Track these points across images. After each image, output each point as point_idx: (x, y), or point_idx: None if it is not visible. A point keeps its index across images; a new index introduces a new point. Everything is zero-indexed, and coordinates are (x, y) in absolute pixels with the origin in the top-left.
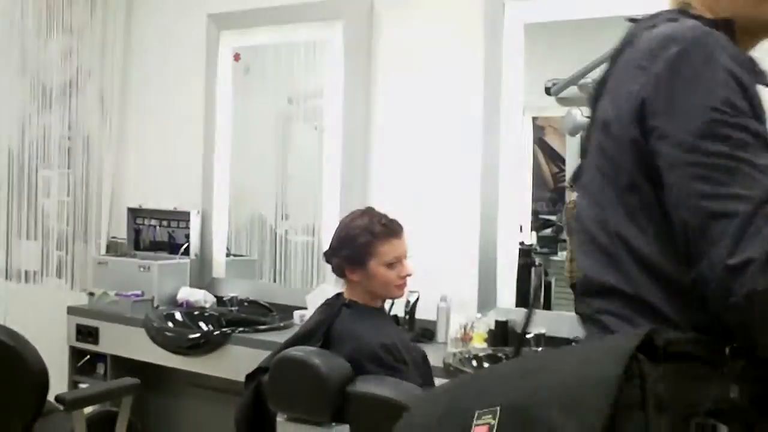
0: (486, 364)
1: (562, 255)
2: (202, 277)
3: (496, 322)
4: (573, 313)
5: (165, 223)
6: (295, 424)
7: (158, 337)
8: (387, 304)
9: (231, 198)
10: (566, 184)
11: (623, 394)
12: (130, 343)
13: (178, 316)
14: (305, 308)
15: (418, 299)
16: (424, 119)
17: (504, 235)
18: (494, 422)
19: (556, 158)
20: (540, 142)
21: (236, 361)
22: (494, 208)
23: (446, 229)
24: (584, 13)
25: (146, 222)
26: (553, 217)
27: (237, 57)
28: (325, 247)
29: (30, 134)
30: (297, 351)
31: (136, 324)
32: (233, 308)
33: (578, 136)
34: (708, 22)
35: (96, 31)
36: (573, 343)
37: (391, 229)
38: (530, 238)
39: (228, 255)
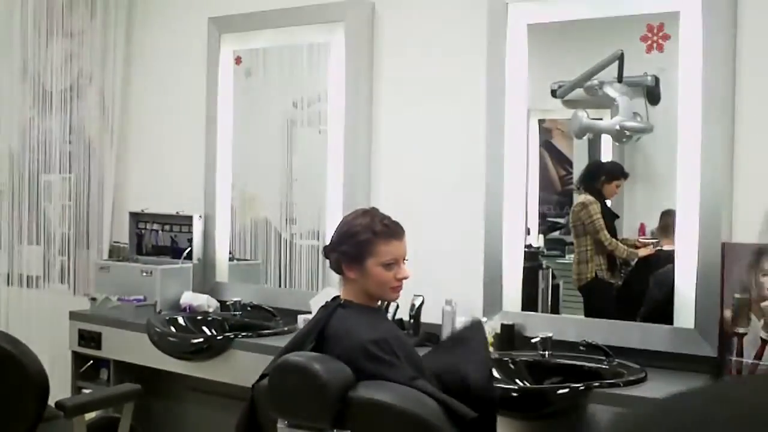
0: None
1: (569, 258)
2: (205, 281)
3: (502, 325)
4: (580, 317)
5: (167, 227)
6: (296, 431)
7: (161, 342)
8: (392, 308)
9: (235, 202)
10: (573, 186)
11: None
12: (132, 348)
13: (181, 320)
14: (310, 312)
15: (423, 303)
16: (428, 122)
17: (509, 238)
18: None
19: (563, 161)
20: (547, 145)
21: (240, 366)
22: (499, 210)
23: (451, 232)
24: (589, 14)
25: (148, 226)
26: (560, 220)
27: (238, 60)
28: None
29: (31, 139)
30: (297, 356)
31: (139, 329)
32: (237, 313)
33: (585, 138)
34: None
35: (97, 35)
36: (581, 348)
37: (392, 230)
38: (537, 241)
39: (231, 259)
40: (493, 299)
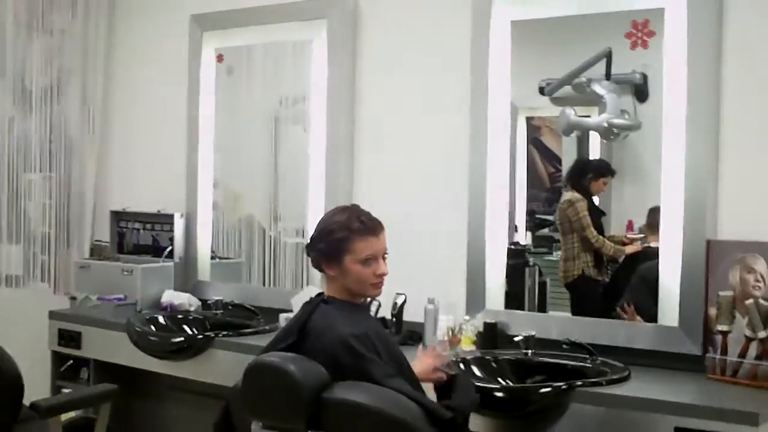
0: (474, 367)
1: (557, 255)
2: (186, 280)
3: (485, 324)
4: (565, 314)
5: (149, 226)
6: None
7: (141, 342)
8: (374, 306)
9: (220, 200)
10: (561, 183)
11: None
12: (112, 347)
13: (161, 320)
14: (291, 311)
15: (405, 301)
16: (411, 119)
17: (492, 235)
18: None
19: (552, 158)
20: (536, 142)
21: (221, 365)
22: (482, 208)
23: (434, 230)
24: (572, 10)
25: (130, 225)
26: (549, 217)
27: (220, 58)
28: None
29: (12, 137)
30: (271, 356)
31: (119, 328)
32: (218, 311)
33: (573, 135)
34: None
35: (78, 32)
36: (564, 346)
37: (369, 227)
38: (525, 239)
39: (213, 258)
40: (475, 297)
